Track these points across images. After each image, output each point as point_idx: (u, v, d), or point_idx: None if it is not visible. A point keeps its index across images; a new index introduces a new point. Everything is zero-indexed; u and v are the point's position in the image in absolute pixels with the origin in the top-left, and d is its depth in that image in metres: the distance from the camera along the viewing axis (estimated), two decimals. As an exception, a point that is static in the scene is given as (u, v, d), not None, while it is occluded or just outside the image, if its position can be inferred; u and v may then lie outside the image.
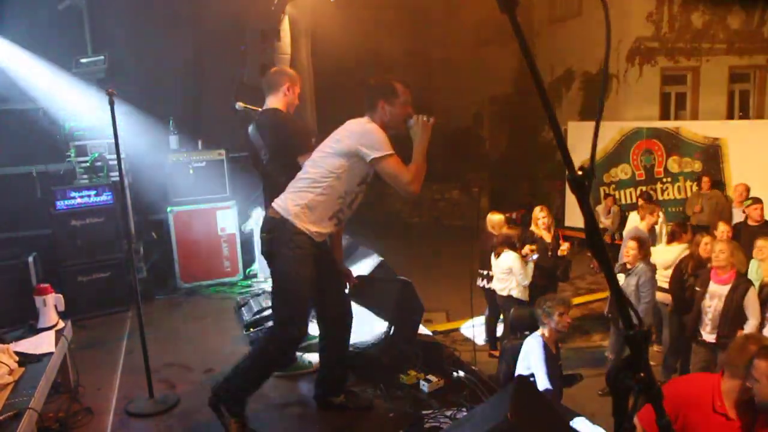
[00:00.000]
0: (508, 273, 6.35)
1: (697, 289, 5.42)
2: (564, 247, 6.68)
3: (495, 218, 7.05)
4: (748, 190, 8.25)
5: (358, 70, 10.52)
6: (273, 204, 3.25)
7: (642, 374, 1.06)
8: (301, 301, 3.24)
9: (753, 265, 5.72)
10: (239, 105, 4.49)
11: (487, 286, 6.89)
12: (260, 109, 4.29)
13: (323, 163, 3.19)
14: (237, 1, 6.36)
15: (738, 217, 7.89)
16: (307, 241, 3.15)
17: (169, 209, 6.24)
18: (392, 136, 3.17)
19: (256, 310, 5.14)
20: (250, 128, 4.10)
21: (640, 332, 1.09)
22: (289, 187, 3.26)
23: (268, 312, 4.98)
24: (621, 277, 5.66)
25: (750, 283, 5.21)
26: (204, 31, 5.99)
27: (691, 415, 2.61)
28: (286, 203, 3.18)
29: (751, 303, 5.05)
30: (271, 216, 3.22)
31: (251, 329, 4.85)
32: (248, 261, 6.67)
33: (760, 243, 5.65)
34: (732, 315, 5.06)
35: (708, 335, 5.26)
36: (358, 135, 3.14)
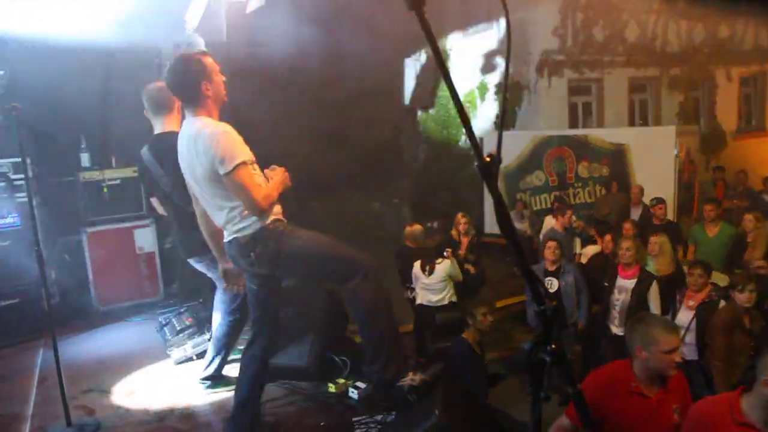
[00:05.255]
0: (445, 281, 6.12)
1: (605, 284, 5.66)
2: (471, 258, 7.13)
3: (415, 230, 6.87)
4: (642, 191, 8.85)
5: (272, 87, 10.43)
6: (232, 234, 2.99)
7: (553, 346, 1.14)
8: (338, 249, 3.14)
9: (648, 261, 6.01)
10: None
11: (415, 298, 6.66)
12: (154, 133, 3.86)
13: (214, 195, 2.93)
14: (145, 19, 6.15)
15: (634, 215, 8.44)
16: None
17: (83, 230, 5.99)
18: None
19: (179, 328, 5.00)
20: (144, 151, 3.75)
21: (550, 308, 1.17)
22: (225, 221, 2.98)
23: (192, 330, 4.88)
24: (554, 281, 5.91)
25: (653, 277, 5.52)
26: (113, 45, 5.79)
27: (610, 400, 2.72)
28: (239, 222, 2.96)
29: (654, 295, 5.38)
30: (239, 238, 2.97)
31: (174, 347, 4.72)
32: (169, 280, 6.47)
33: (653, 239, 5.99)
34: (638, 307, 5.28)
35: (616, 329, 5.41)
36: (209, 148, 2.80)
